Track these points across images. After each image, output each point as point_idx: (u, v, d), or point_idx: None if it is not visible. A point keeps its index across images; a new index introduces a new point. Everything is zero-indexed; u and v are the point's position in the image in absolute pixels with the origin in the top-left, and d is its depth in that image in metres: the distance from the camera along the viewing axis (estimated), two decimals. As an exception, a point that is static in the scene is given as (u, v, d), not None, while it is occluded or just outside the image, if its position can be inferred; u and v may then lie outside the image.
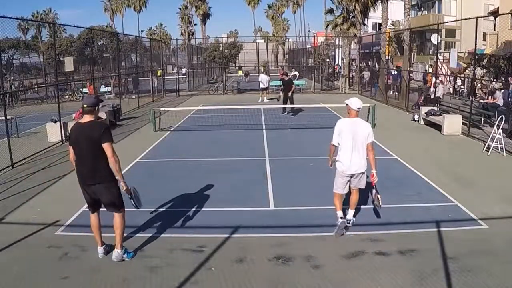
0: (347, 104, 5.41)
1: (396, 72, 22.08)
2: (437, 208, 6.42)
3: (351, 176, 5.35)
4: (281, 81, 17.42)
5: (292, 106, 16.05)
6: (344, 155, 5.26)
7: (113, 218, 4.80)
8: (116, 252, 4.81)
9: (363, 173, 5.36)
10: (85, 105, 4.61)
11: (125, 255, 4.87)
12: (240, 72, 39.68)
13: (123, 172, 8.50)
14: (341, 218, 5.43)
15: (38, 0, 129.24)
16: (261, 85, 21.72)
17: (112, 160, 4.51)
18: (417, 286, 4.28)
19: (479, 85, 19.34)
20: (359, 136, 5.21)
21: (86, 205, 4.96)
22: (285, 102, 16.18)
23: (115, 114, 15.38)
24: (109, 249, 4.95)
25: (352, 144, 5.20)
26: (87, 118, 4.62)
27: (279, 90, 16.73)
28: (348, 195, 5.67)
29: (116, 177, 4.63)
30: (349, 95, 24.21)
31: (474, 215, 6.07)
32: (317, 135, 12.25)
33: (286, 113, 16.10)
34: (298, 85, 27.73)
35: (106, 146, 4.49)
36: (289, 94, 16.10)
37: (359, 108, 5.34)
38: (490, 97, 15.38)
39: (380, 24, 26.55)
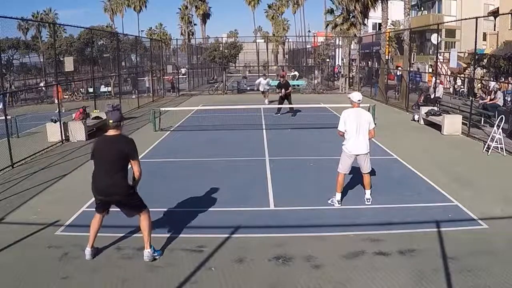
0: (349, 98, 6.53)
1: (400, 73, 21.99)
2: (437, 208, 6.42)
3: (356, 156, 6.32)
4: (278, 82, 17.33)
5: (290, 106, 16.02)
6: (351, 138, 6.27)
7: (138, 221, 4.86)
8: (147, 252, 4.81)
9: (366, 154, 6.35)
10: (111, 121, 4.63)
11: (155, 254, 4.88)
12: (247, 73, 39.49)
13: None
14: (338, 202, 6.44)
15: (38, 0, 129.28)
16: (260, 88, 20.61)
17: (139, 176, 4.69)
18: (417, 286, 4.28)
19: (479, 85, 19.33)
20: (362, 122, 6.26)
21: (91, 205, 4.96)
22: (280, 103, 16.12)
23: (115, 114, 15.35)
24: (96, 252, 4.97)
25: (357, 129, 6.22)
26: (112, 132, 4.66)
27: (279, 92, 16.63)
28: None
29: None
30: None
31: (474, 215, 6.07)
32: (317, 135, 12.27)
33: (279, 114, 16.04)
34: (298, 85, 27.82)
35: (135, 162, 4.65)
36: (285, 94, 15.99)
37: (359, 100, 6.43)
38: (489, 97, 15.39)
39: (380, 24, 26.55)
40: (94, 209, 6.51)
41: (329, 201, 6.52)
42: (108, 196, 4.69)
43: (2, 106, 18.74)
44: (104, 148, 4.66)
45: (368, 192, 6.58)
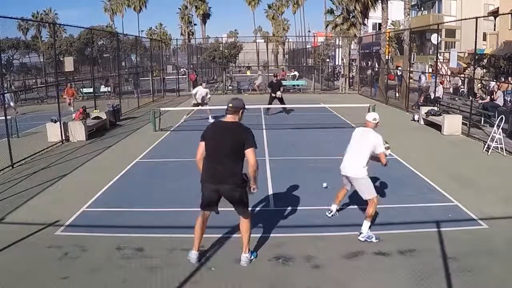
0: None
1: (401, 73, 21.90)
2: (437, 208, 6.42)
3: (347, 178, 5.60)
4: (270, 82, 17.22)
5: (283, 106, 15.97)
6: (344, 156, 5.67)
7: (239, 222, 4.72)
8: (245, 257, 4.71)
9: (355, 178, 5.42)
10: (230, 105, 4.47)
11: (252, 257, 4.82)
12: (249, 72, 39.35)
13: (123, 172, 8.65)
14: (328, 212, 6.07)
15: (38, 0, 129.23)
16: (198, 99, 14.89)
17: (254, 168, 4.39)
18: (417, 286, 4.28)
19: (479, 85, 19.34)
20: (362, 143, 5.46)
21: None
22: (270, 103, 16.06)
23: (115, 114, 15.38)
24: (201, 256, 4.80)
25: (353, 148, 5.55)
26: (230, 119, 4.49)
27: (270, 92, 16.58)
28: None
29: (250, 182, 4.53)
30: (349, 95, 24.23)
31: (474, 215, 6.07)
32: (317, 135, 12.27)
33: (269, 115, 15.98)
34: (297, 85, 27.83)
35: (249, 151, 4.36)
36: (274, 95, 15.97)
37: (374, 119, 5.62)
38: (488, 96, 15.40)
39: (380, 24, 26.55)
40: (94, 209, 6.58)
41: (327, 213, 6.11)
42: (222, 184, 4.44)
43: (12, 103, 19.05)
44: (219, 133, 4.45)
45: (364, 223, 5.33)
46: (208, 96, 15.15)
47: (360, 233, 5.31)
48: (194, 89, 15.63)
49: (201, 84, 15.89)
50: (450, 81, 23.71)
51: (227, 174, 4.43)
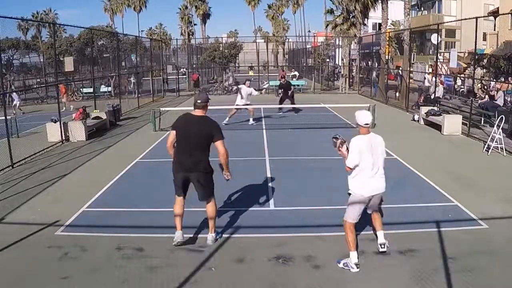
0: (356, 120, 4.69)
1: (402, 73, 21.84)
2: (437, 208, 6.42)
3: (372, 197, 4.69)
4: (279, 83, 17.76)
5: (293, 106, 16.31)
6: (365, 175, 4.60)
7: (206, 209, 5.22)
8: (211, 236, 5.23)
9: (383, 191, 4.78)
10: (198, 101, 4.90)
11: (217, 237, 5.35)
12: (251, 73, 39.23)
13: (123, 172, 8.64)
14: (356, 265, 4.61)
15: (38, 0, 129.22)
16: (244, 99, 14.20)
17: (224, 156, 4.87)
18: (417, 286, 4.28)
19: (479, 85, 19.33)
20: (379, 153, 4.63)
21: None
22: (281, 103, 16.46)
23: (115, 114, 15.38)
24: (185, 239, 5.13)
25: (373, 162, 4.57)
26: (199, 113, 4.91)
27: (278, 92, 17.07)
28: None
29: (224, 171, 5.08)
30: (349, 95, 24.22)
31: (474, 215, 6.07)
32: (317, 135, 12.26)
33: (281, 112, 16.39)
34: (298, 85, 27.82)
35: (218, 143, 4.85)
36: (288, 95, 16.54)
37: (367, 124, 4.58)
38: (487, 96, 15.40)
39: (380, 24, 26.56)
40: (94, 209, 6.58)
41: (342, 265, 4.66)
42: (191, 172, 4.92)
43: (17, 101, 19.12)
44: (189, 125, 4.88)
45: (381, 234, 4.94)
46: (254, 93, 14.57)
47: (383, 245, 4.88)
48: (238, 96, 14.36)
49: (244, 83, 14.78)
50: (455, 81, 23.63)
51: (195, 163, 4.89)
